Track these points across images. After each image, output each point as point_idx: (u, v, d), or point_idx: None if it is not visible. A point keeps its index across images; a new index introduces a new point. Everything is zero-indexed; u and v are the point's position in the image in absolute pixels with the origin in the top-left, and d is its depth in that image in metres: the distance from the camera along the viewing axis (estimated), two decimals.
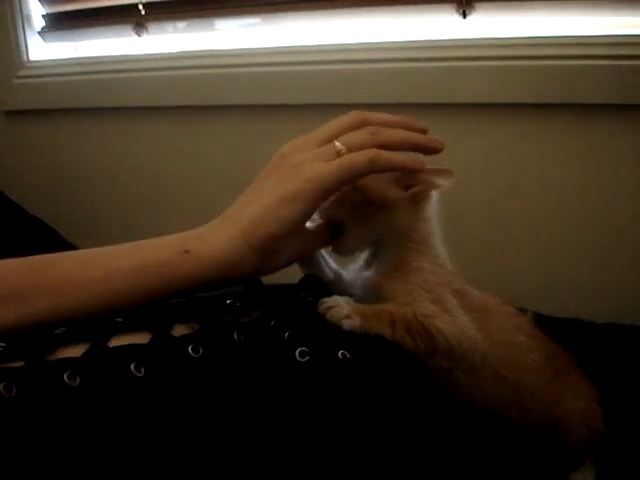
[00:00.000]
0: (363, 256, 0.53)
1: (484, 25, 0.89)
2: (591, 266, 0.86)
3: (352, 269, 0.53)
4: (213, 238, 0.41)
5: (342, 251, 0.51)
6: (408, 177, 0.49)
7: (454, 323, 0.45)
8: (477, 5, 0.88)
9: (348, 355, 0.41)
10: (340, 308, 0.44)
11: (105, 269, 0.39)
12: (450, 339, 0.44)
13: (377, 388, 0.41)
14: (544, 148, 0.87)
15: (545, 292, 0.85)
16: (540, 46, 0.84)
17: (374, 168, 0.43)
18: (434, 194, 0.51)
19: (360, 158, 0.42)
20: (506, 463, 0.46)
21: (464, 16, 0.89)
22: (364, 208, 0.49)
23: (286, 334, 0.41)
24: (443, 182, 0.49)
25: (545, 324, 0.54)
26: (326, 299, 0.45)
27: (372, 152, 0.43)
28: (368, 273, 0.51)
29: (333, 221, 0.50)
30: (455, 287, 0.49)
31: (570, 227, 0.87)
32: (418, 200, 0.50)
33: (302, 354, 0.40)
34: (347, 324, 0.43)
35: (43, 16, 1.19)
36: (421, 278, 0.47)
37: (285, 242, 0.43)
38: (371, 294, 0.48)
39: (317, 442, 0.37)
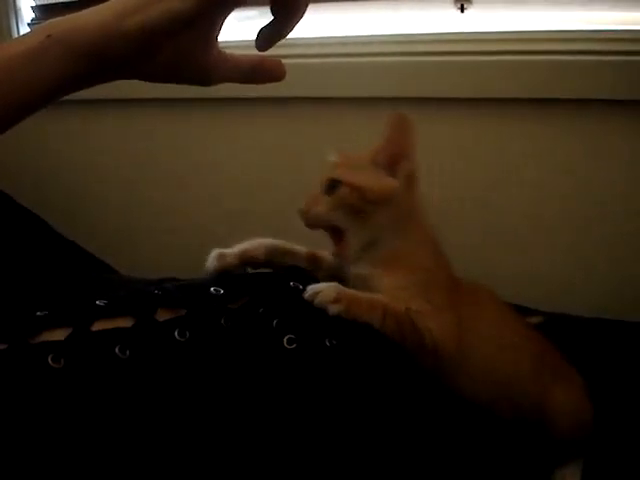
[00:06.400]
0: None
1: (482, 19, 0.88)
2: (584, 262, 0.86)
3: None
4: (82, 18, 0.37)
5: (347, 258, 0.49)
6: (382, 151, 0.48)
7: (443, 324, 0.45)
8: None
9: (335, 343, 0.41)
10: (327, 293, 0.43)
11: None
12: (437, 340, 0.44)
13: (364, 376, 0.41)
14: (541, 144, 0.86)
15: (537, 287, 0.85)
16: (538, 41, 0.84)
17: None
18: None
19: None
20: (494, 454, 0.45)
21: (462, 10, 0.88)
22: (364, 208, 0.47)
23: (274, 321, 0.41)
24: (412, 143, 0.48)
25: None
26: (314, 285, 0.44)
27: None
28: (360, 267, 0.49)
29: (335, 227, 0.49)
30: (449, 282, 0.48)
31: (565, 223, 0.87)
32: (411, 180, 0.49)
33: (290, 341, 0.40)
34: (333, 309, 0.43)
35: (32, 8, 1.19)
36: (418, 274, 0.47)
37: (169, 44, 0.37)
38: (363, 287, 0.47)
39: (304, 428, 0.37)
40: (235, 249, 0.50)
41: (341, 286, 0.45)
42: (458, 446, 0.43)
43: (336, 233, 0.49)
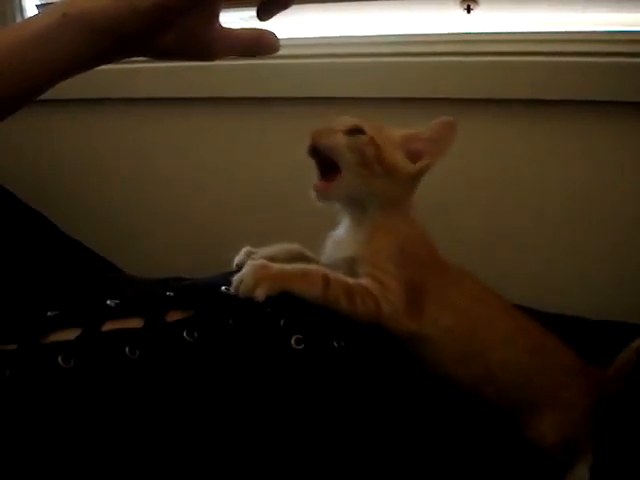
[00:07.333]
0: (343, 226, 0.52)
1: (488, 20, 0.88)
2: (584, 263, 0.86)
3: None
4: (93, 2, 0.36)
5: (327, 197, 0.49)
6: (415, 139, 0.50)
7: (397, 297, 0.45)
8: (481, 0, 0.88)
9: (343, 344, 0.41)
10: (247, 281, 0.42)
11: None
12: (394, 311, 0.45)
13: (371, 378, 0.41)
14: (547, 145, 0.86)
15: (537, 287, 0.85)
16: (544, 42, 0.84)
17: None
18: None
19: None
20: (498, 455, 0.45)
21: (468, 11, 0.88)
22: (373, 166, 0.48)
23: (281, 321, 0.41)
24: (446, 148, 0.49)
25: (540, 320, 0.54)
26: (237, 275, 0.43)
27: None
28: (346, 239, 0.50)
29: (334, 163, 0.49)
30: (430, 261, 0.49)
31: (570, 225, 0.86)
32: (422, 173, 0.50)
33: (298, 342, 0.40)
34: (258, 295, 0.41)
35: (37, 6, 1.19)
36: (393, 241, 0.48)
37: (180, 20, 0.38)
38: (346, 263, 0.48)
39: (311, 428, 0.37)
40: (262, 250, 0.52)
41: (264, 263, 0.44)
42: (465, 448, 0.43)
43: (329, 170, 0.49)
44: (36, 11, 1.19)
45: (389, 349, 0.43)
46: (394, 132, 0.51)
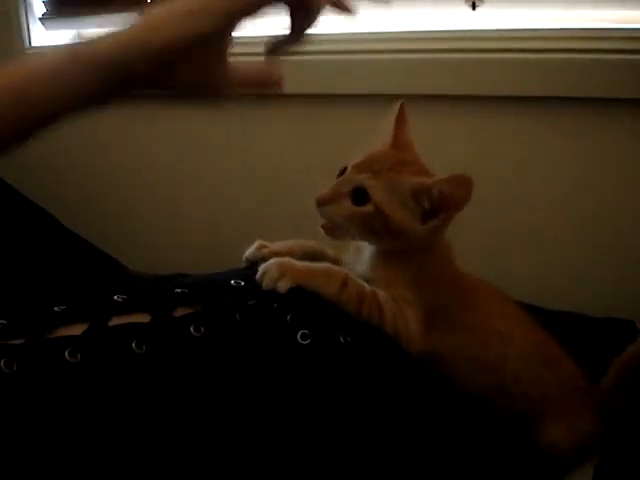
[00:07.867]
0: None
1: (493, 17, 0.88)
2: (592, 263, 0.86)
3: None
4: (104, 41, 0.38)
5: (335, 236, 0.49)
6: (425, 194, 0.45)
7: (411, 319, 0.45)
8: None
9: (349, 339, 0.41)
10: (271, 272, 0.42)
11: None
12: (399, 329, 0.44)
13: (377, 374, 0.41)
14: (553, 142, 0.86)
15: (545, 288, 0.84)
16: (549, 39, 0.83)
17: None
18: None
19: None
20: (504, 455, 0.45)
21: (473, 7, 0.88)
22: (379, 233, 0.46)
23: (288, 317, 0.41)
24: (461, 207, 0.45)
25: (544, 318, 0.53)
26: (262, 264, 0.43)
27: None
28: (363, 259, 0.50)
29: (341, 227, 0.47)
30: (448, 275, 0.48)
31: (570, 223, 0.86)
32: (434, 232, 0.47)
33: (304, 337, 0.40)
34: (281, 286, 0.42)
35: (44, 2, 1.19)
36: (406, 269, 0.47)
37: (187, 57, 0.38)
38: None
39: (317, 423, 0.37)
40: (275, 245, 0.51)
41: (290, 260, 0.44)
42: (471, 444, 0.43)
43: None
44: (43, 7, 1.19)
45: (395, 345, 0.43)
46: (406, 178, 0.47)
